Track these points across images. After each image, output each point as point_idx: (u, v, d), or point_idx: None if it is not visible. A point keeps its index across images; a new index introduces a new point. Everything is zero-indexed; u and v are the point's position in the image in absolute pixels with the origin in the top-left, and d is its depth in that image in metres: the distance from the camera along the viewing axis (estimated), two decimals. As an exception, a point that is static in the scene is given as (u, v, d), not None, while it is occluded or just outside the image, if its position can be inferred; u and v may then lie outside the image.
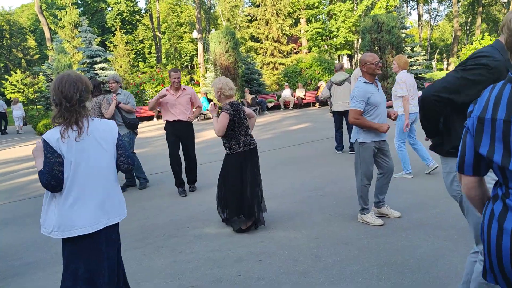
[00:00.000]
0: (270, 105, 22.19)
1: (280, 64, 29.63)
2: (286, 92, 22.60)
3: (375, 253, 4.06)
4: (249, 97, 20.52)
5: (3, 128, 22.94)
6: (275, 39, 30.10)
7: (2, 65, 46.93)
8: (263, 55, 30.20)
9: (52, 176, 2.54)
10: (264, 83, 25.35)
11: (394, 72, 9.87)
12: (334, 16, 31.39)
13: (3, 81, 38.80)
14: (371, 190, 5.26)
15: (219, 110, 5.55)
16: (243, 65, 22.38)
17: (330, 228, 4.85)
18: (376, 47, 18.56)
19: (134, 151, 7.57)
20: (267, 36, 30.10)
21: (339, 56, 34.58)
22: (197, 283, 3.75)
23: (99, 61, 23.39)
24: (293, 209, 5.65)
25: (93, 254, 2.69)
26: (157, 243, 4.83)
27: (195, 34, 29.81)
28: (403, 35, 23.03)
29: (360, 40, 22.34)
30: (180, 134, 6.77)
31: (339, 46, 31.66)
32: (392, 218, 4.93)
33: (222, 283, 3.71)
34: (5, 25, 49.41)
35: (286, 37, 30.84)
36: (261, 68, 28.43)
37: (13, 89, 37.94)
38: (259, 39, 30.86)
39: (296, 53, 31.77)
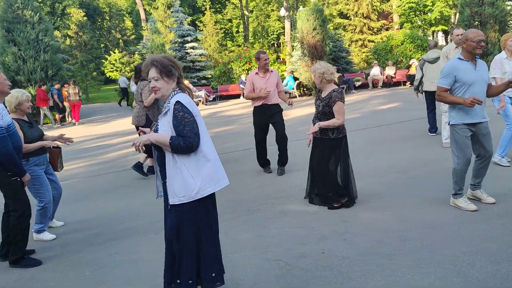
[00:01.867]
0: (357, 83, 21.61)
1: (369, 41, 28.56)
2: (375, 71, 21.85)
3: (466, 239, 3.87)
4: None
5: (125, 101, 24.80)
6: (364, 15, 28.99)
7: (102, 45, 50.25)
8: (351, 32, 29.27)
9: (195, 133, 2.80)
10: (352, 61, 24.68)
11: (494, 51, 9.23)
12: (429, -11, 29.47)
13: (103, 60, 41.63)
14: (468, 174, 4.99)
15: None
16: (331, 43, 21.91)
17: (418, 211, 4.69)
18: (476, 22, 17.22)
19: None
20: (356, 12, 29.06)
21: (433, 32, 32.56)
22: (281, 258, 3.84)
23: (189, 40, 24.17)
24: (380, 190, 5.53)
25: (215, 210, 3.07)
26: (243, 217, 5.00)
27: (282, 12, 29.63)
28: (508, 7, 21.10)
29: (458, 14, 20.87)
30: (269, 118, 6.72)
31: (433, 22, 29.76)
32: (486, 205, 4.65)
33: (306, 259, 3.77)
34: (105, 7, 52.70)
35: (376, 13, 29.59)
36: (349, 45, 27.61)
37: (111, 68, 40.70)
38: (348, 15, 29.92)
39: (387, 29, 30.38)
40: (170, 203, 2.87)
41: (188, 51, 23.77)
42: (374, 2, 28.94)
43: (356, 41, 28.83)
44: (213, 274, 2.99)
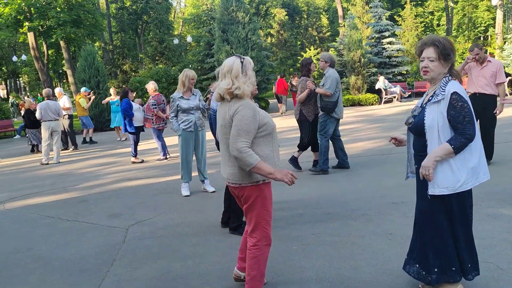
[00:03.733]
0: None
1: None
2: None
3: None
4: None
5: None
6: None
7: (299, 43, 52.61)
8: None
9: (473, 124, 2.76)
10: None
11: None
12: None
13: (299, 57, 43.57)
14: None
15: None
16: (555, 34, 18.97)
17: None
18: None
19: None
20: None
21: None
22: (491, 260, 3.64)
23: (387, 35, 23.69)
24: None
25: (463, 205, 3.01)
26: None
27: (494, 1, 26.70)
28: None
29: None
30: (479, 107, 6.42)
31: None
32: None
33: (521, 266, 3.48)
34: (304, 6, 55.00)
35: None
36: None
37: (310, 65, 42.31)
38: None
39: None
40: (430, 193, 2.89)
41: (385, 46, 23.34)
42: None
43: None
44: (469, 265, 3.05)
